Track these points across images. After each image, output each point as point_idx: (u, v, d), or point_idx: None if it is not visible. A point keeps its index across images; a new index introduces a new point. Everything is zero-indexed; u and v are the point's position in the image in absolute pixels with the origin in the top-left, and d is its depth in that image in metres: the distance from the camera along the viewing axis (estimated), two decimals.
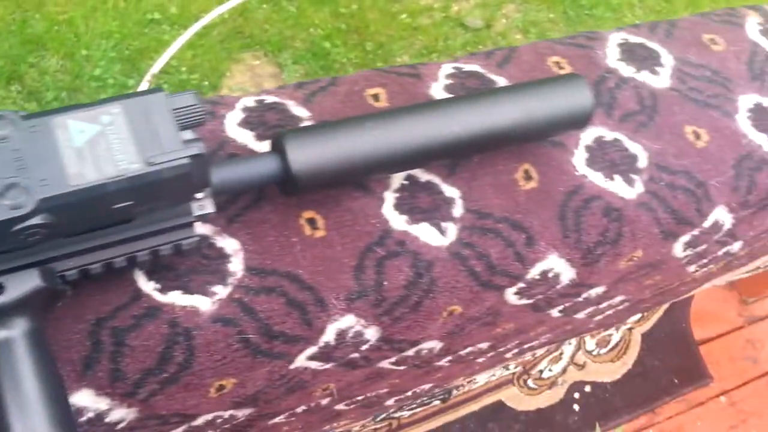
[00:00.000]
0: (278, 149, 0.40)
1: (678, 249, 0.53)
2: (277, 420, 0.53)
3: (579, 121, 0.46)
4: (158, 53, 1.54)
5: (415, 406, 1.04)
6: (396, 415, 1.03)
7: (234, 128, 0.45)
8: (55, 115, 0.33)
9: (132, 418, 0.40)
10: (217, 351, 0.39)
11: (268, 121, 0.46)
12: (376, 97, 0.49)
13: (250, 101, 0.47)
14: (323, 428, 0.66)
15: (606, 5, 1.83)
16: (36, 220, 0.31)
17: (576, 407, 1.15)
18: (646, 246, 0.50)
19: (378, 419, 1.00)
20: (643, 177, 0.50)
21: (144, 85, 1.50)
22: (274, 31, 1.61)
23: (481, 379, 1.08)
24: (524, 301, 0.50)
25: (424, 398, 0.99)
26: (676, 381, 1.19)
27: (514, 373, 1.14)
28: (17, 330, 0.33)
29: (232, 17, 1.61)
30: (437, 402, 1.08)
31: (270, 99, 0.48)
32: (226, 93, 1.52)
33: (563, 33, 1.74)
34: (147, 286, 0.39)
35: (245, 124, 0.46)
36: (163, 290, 0.39)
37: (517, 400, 1.14)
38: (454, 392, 1.09)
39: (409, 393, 0.67)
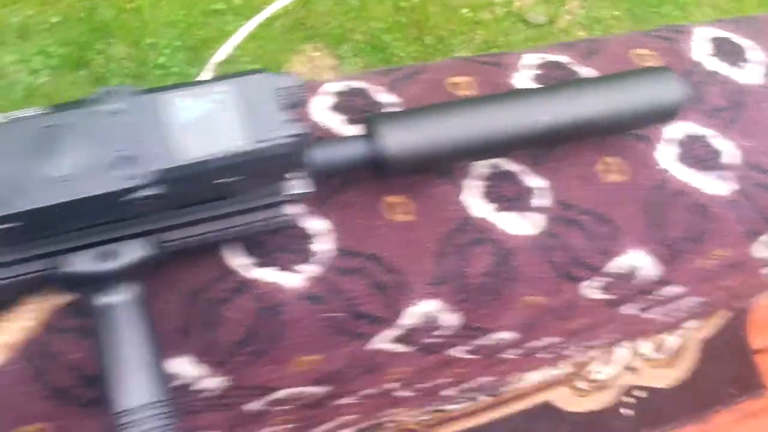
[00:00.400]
0: (372, 132, 0.40)
1: (759, 250, 0.52)
2: (342, 401, 0.54)
3: (666, 115, 0.46)
4: (220, 43, 1.57)
5: (464, 400, 1.04)
6: (446, 407, 1.03)
7: (320, 112, 0.46)
8: (164, 92, 0.34)
9: (220, 387, 0.41)
10: (303, 327, 0.40)
11: (355, 106, 0.47)
12: (459, 86, 0.49)
13: (335, 86, 0.48)
14: (378, 414, 0.66)
15: (673, 3, 1.79)
16: (149, 191, 0.32)
17: (626, 411, 1.13)
18: (729, 245, 0.49)
19: (425, 410, 1.00)
20: (730, 174, 0.49)
21: (206, 75, 1.53)
22: (336, 23, 1.62)
23: (532, 377, 1.07)
24: (602, 296, 0.49)
25: (478, 392, 0.99)
26: (732, 391, 1.16)
27: (565, 373, 1.13)
28: (123, 296, 0.34)
29: (294, 9, 1.63)
30: (485, 397, 1.07)
31: (355, 84, 0.48)
32: None
33: (628, 31, 1.71)
34: (239, 261, 0.40)
35: (332, 108, 0.46)
36: (255, 266, 0.40)
37: (566, 400, 1.12)
38: (501, 389, 1.08)
39: (471, 384, 0.67)
